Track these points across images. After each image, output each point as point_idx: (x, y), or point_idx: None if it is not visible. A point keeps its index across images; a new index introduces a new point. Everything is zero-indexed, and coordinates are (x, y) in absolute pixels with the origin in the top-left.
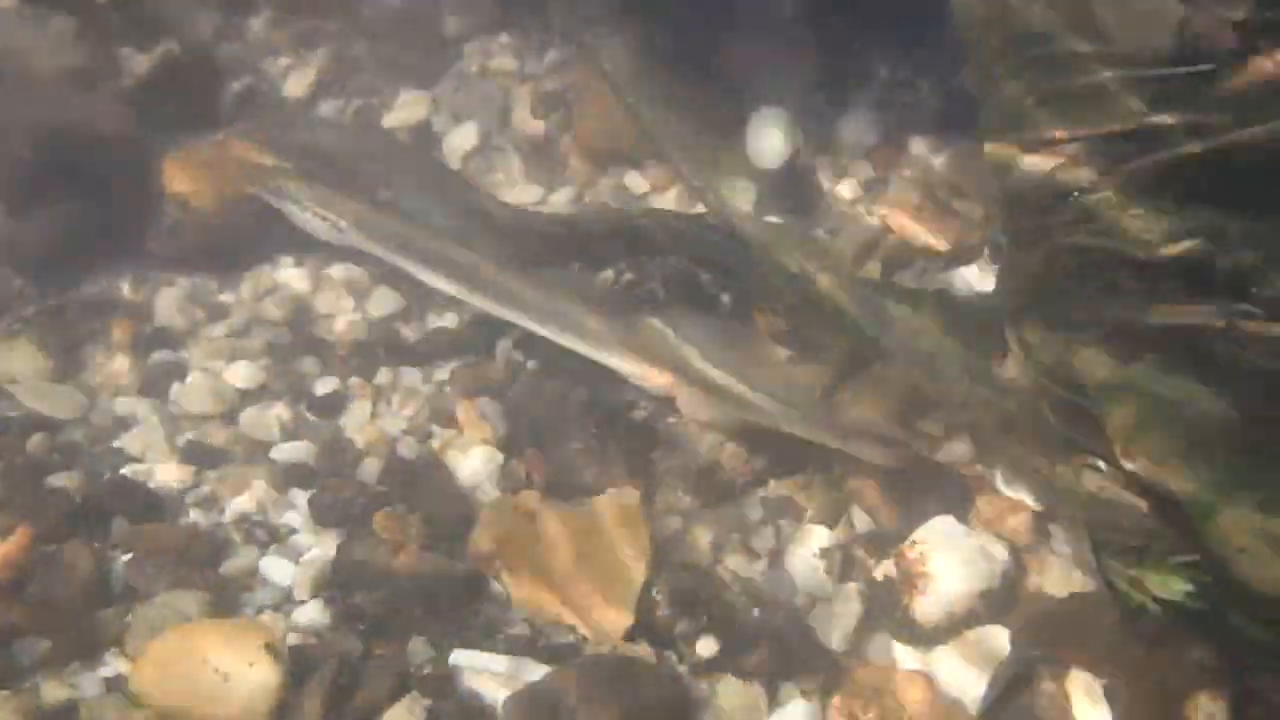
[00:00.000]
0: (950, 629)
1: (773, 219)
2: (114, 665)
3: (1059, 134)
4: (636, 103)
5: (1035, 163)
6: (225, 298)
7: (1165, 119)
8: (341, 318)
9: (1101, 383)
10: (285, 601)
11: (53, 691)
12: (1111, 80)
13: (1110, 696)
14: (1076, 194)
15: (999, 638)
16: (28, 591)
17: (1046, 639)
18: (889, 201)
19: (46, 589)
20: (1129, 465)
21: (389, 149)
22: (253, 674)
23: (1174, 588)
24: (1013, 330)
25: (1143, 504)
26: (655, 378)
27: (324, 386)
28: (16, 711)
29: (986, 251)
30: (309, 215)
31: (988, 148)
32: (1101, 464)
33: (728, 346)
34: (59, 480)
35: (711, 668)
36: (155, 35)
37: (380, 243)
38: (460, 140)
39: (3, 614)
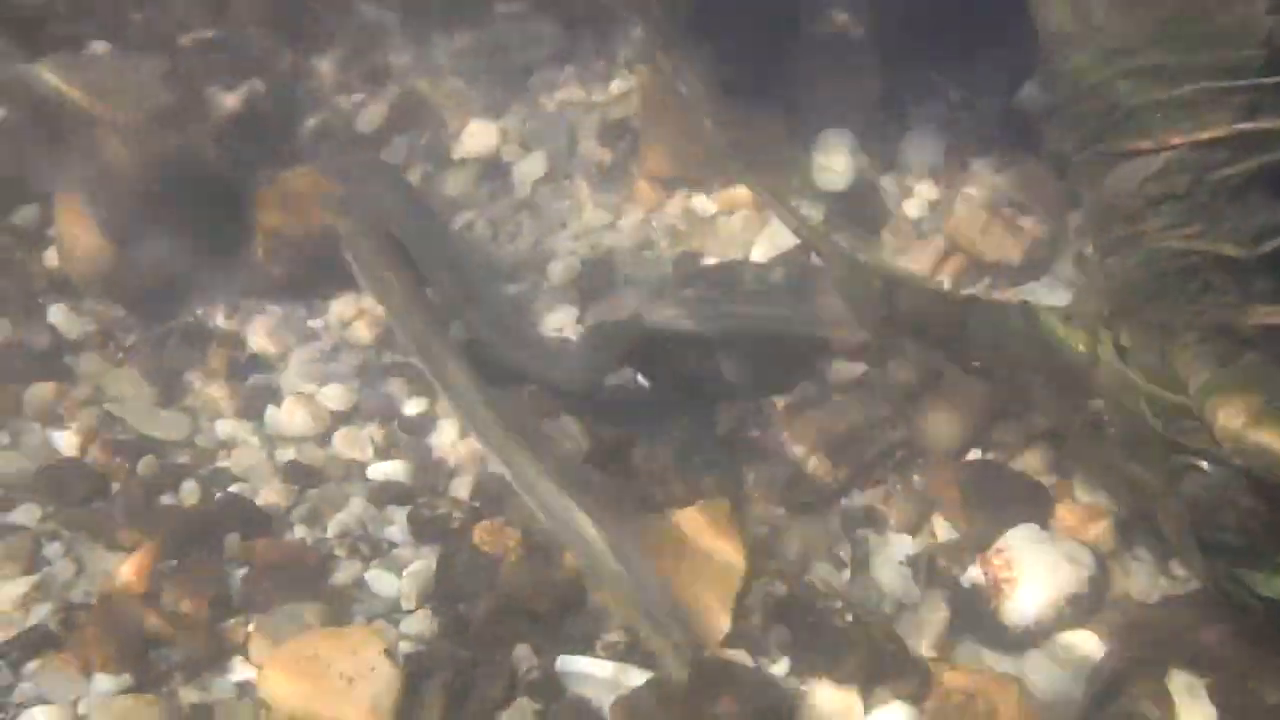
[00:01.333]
0: (1039, 633)
1: (841, 238)
2: (241, 671)
3: (1149, 145)
4: (712, 123)
5: (1127, 172)
6: (314, 324)
7: (1256, 126)
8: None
9: (1205, 383)
10: (394, 611)
11: (189, 695)
12: (1201, 91)
13: (1213, 695)
14: (1169, 201)
15: (1088, 642)
16: (160, 601)
17: (1143, 641)
18: (955, 219)
19: (175, 600)
20: (1238, 463)
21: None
22: (375, 677)
23: (1279, 586)
24: (1107, 335)
25: (1249, 502)
26: None
27: (413, 407)
28: (162, 713)
29: (1071, 262)
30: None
31: (1078, 158)
32: (1204, 464)
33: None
34: (172, 499)
35: (807, 673)
36: (237, 75)
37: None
38: (529, 168)
39: (142, 622)
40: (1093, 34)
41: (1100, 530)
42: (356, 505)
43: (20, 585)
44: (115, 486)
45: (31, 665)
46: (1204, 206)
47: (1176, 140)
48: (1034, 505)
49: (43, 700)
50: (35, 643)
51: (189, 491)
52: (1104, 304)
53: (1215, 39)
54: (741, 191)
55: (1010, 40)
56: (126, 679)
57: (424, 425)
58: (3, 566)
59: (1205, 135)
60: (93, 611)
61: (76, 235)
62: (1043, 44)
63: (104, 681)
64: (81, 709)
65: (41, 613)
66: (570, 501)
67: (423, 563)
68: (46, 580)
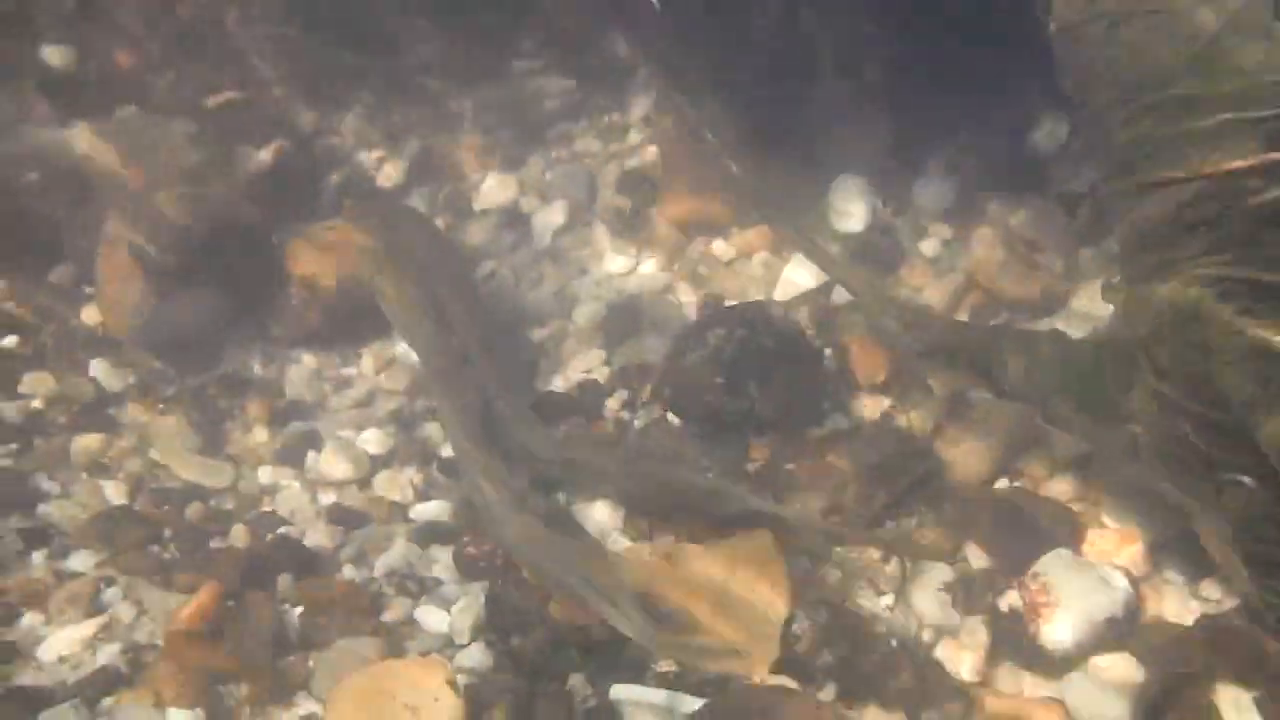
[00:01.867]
0: (1078, 656)
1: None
2: (305, 706)
3: (1180, 174)
4: (735, 167)
5: (1159, 201)
6: (348, 371)
7: None
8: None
9: (1250, 398)
10: (447, 645)
11: None
12: (1229, 121)
13: (1261, 707)
14: (1202, 228)
15: (1127, 664)
16: (224, 639)
17: (1187, 657)
18: (974, 257)
19: (237, 638)
20: None
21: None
22: (438, 707)
23: None
24: (1144, 357)
25: None
26: None
27: (450, 450)
28: None
29: (1086, 298)
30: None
31: (1110, 187)
32: (1246, 479)
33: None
34: (221, 543)
35: (853, 698)
36: (263, 134)
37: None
38: (549, 218)
39: (209, 659)
40: (1120, 69)
41: (1132, 554)
42: (401, 546)
43: (86, 628)
44: (166, 532)
45: (107, 702)
46: (1238, 233)
47: (1207, 170)
48: (1065, 531)
49: None
50: (107, 681)
51: (237, 535)
52: (1140, 328)
53: (1244, 68)
54: (759, 235)
55: (1018, 85)
56: (200, 713)
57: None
58: (65, 611)
59: (1235, 164)
60: (160, 650)
61: (116, 290)
62: (1071, 79)
63: (178, 716)
64: None
65: (109, 653)
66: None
67: (471, 599)
68: (111, 622)
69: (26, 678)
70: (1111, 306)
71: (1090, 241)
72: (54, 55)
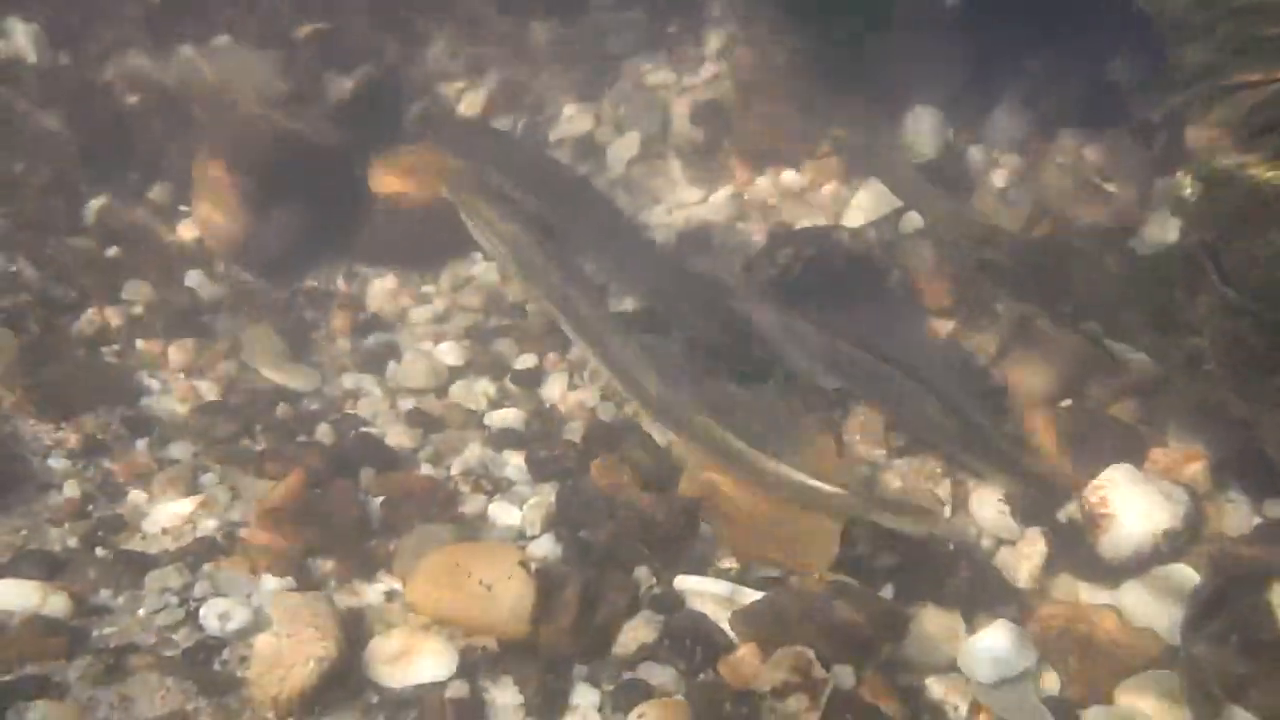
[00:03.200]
0: (1136, 566)
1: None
2: (387, 582)
3: (1256, 77)
4: (812, 93)
5: (1233, 104)
6: (427, 288)
7: None
8: (531, 304)
9: None
10: (519, 537)
11: (344, 599)
12: None
13: None
14: (1274, 133)
15: (1185, 574)
16: (311, 519)
17: (1243, 558)
18: (1045, 185)
19: (325, 517)
20: None
21: (550, 167)
22: (512, 585)
23: None
24: (1211, 264)
25: None
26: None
27: (523, 363)
28: (322, 610)
29: (1156, 225)
30: (474, 231)
31: (1184, 94)
32: None
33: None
34: (308, 439)
35: (911, 598)
36: (349, 64)
37: (522, 271)
38: (623, 150)
39: (297, 535)
40: None
41: (1195, 471)
42: (476, 449)
43: (185, 505)
44: (257, 428)
45: (206, 567)
46: None
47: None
48: (1129, 447)
49: (220, 594)
50: (206, 550)
51: (323, 433)
52: (1207, 233)
53: None
54: (829, 166)
55: (1094, 17)
56: (290, 581)
57: (534, 378)
58: (166, 491)
59: None
60: (255, 524)
61: (210, 208)
62: None
63: (271, 582)
64: (254, 602)
65: (207, 527)
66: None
67: (541, 498)
68: (208, 501)
69: (133, 544)
70: (1180, 220)
71: (1164, 171)
72: None
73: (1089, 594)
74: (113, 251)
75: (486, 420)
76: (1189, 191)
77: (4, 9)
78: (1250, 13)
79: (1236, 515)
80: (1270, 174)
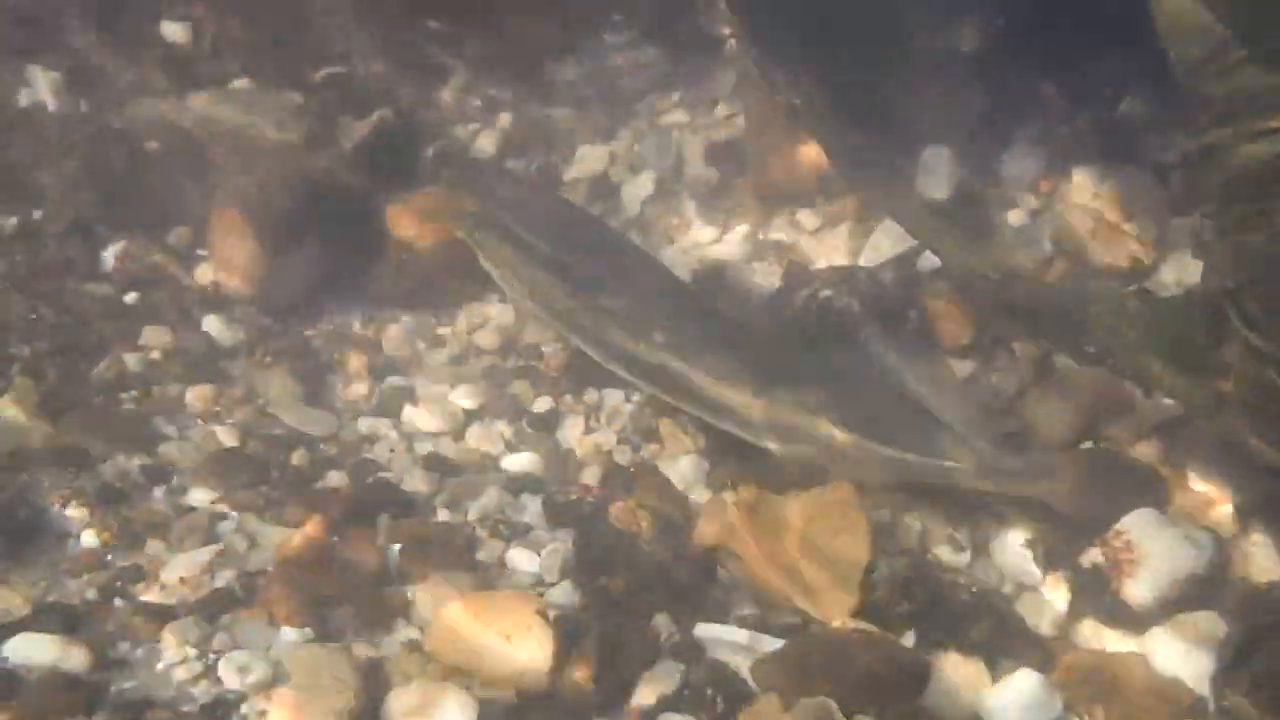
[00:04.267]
0: (1161, 612)
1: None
2: (405, 632)
3: (1274, 125)
4: (825, 135)
5: (1254, 151)
6: (443, 330)
7: None
8: (547, 346)
9: None
10: (537, 584)
11: (362, 650)
12: None
13: None
14: None
15: (1212, 621)
16: (329, 568)
17: (1272, 608)
18: (1063, 225)
19: (341, 568)
20: None
21: (564, 211)
22: (531, 636)
23: None
24: (1234, 310)
25: None
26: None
27: (540, 405)
28: (341, 662)
29: (1173, 268)
30: (492, 272)
31: (1204, 140)
32: None
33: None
34: (325, 485)
35: (933, 644)
36: (364, 105)
37: (546, 310)
38: (637, 189)
39: (316, 584)
40: (1214, 23)
41: (1219, 515)
42: (493, 493)
43: (204, 554)
44: (274, 474)
45: (225, 618)
46: None
47: None
48: (1151, 491)
49: (239, 647)
50: (224, 601)
51: (340, 479)
52: (1230, 279)
53: None
54: (845, 205)
55: (1110, 55)
56: (309, 632)
57: (551, 421)
58: (185, 540)
59: None
60: (273, 574)
61: (228, 252)
62: (1164, 36)
63: (290, 633)
64: (273, 655)
65: (225, 577)
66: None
67: (560, 543)
68: (226, 550)
69: (152, 595)
70: (1201, 264)
71: (1181, 211)
72: (173, 31)
73: (1114, 641)
74: (131, 297)
75: (503, 464)
76: (1211, 235)
77: (26, 58)
78: (1269, 59)
79: (1263, 559)
80: None
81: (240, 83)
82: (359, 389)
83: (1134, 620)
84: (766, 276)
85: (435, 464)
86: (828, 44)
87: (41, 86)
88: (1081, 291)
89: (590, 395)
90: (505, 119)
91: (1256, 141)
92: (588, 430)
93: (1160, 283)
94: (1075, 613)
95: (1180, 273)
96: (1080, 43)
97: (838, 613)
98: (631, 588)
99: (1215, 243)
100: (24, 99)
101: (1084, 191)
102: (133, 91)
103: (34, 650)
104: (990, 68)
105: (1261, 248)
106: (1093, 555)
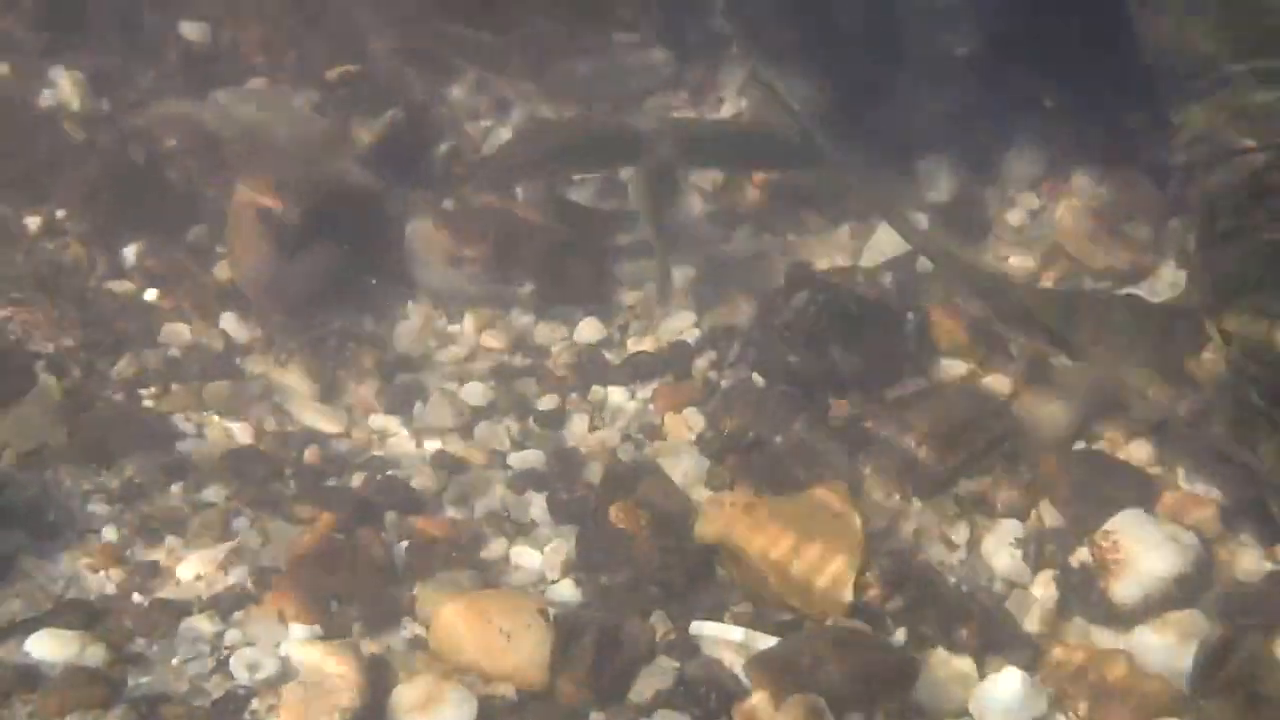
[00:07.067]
0: (1147, 611)
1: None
2: (410, 629)
3: (1253, 144)
4: (822, 137)
5: (1235, 168)
6: (452, 329)
7: None
8: (554, 345)
9: None
10: (540, 581)
11: (369, 647)
12: None
13: None
14: (1275, 195)
15: (1196, 620)
16: (338, 566)
17: (1251, 610)
18: (1062, 226)
19: (349, 565)
20: None
21: None
22: (531, 634)
23: None
24: (1212, 321)
25: None
26: None
27: (546, 403)
28: (347, 659)
29: (1173, 264)
30: None
31: (1182, 159)
32: None
33: None
34: (336, 481)
35: (923, 641)
36: (378, 104)
37: None
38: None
39: (325, 581)
40: (1199, 45)
41: (1205, 516)
42: (499, 490)
43: (218, 551)
44: (287, 471)
45: (237, 615)
46: None
47: (1275, 140)
48: (1139, 492)
49: (249, 643)
50: (236, 598)
51: (351, 476)
52: (1209, 293)
53: None
54: (847, 204)
55: (1110, 56)
56: (317, 629)
57: (556, 419)
58: (200, 536)
59: None
60: (284, 572)
61: (244, 250)
62: (1151, 56)
63: (299, 630)
64: (282, 651)
65: (239, 574)
66: None
67: (562, 540)
68: (240, 547)
69: (168, 591)
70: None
71: (1179, 212)
72: (192, 30)
73: (1101, 639)
74: (151, 295)
75: (510, 461)
76: (1193, 247)
77: (50, 59)
78: (1251, 79)
79: (1248, 560)
80: (1269, 235)
81: (258, 81)
82: (370, 386)
83: (1121, 619)
84: (768, 275)
85: (443, 461)
86: (826, 49)
87: (65, 86)
88: (1073, 295)
89: (596, 393)
90: (515, 115)
91: (1234, 161)
92: (592, 428)
93: (1158, 285)
94: (1063, 611)
95: (1178, 273)
96: (1080, 46)
97: (831, 611)
98: (630, 586)
99: (1196, 256)
100: (47, 99)
101: (1083, 193)
102: (153, 91)
103: (55, 646)
104: (990, 71)
105: (1238, 263)
106: (1081, 555)
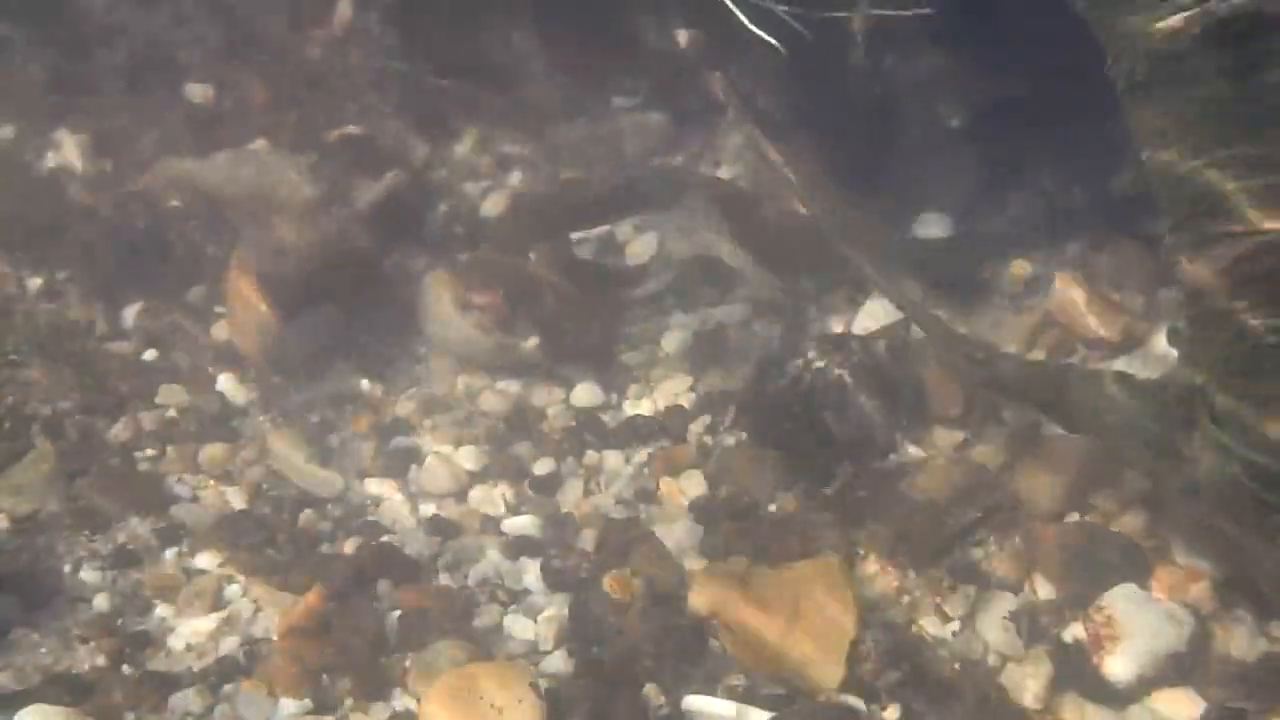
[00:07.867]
0: (1141, 689)
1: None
2: (401, 702)
3: (1240, 228)
4: (817, 206)
5: (1218, 253)
6: (450, 391)
7: None
8: (550, 408)
9: None
10: (533, 652)
11: None
12: None
13: None
14: (1259, 281)
15: (1190, 699)
16: (330, 638)
17: (1246, 692)
18: (1055, 296)
19: (342, 637)
20: None
21: None
22: (522, 709)
23: None
24: (1202, 403)
25: None
26: None
27: (542, 468)
28: None
29: (1165, 338)
30: None
31: (1171, 240)
32: None
33: None
34: (330, 548)
35: (918, 717)
36: (377, 166)
37: None
38: (641, 248)
39: (317, 654)
40: (1184, 130)
41: (1199, 591)
42: (493, 556)
43: (210, 621)
44: (281, 537)
45: (227, 689)
46: None
47: (1266, 225)
48: (1133, 566)
49: (239, 718)
50: (227, 670)
51: (345, 542)
52: (1198, 375)
53: None
54: (842, 270)
55: (1105, 127)
56: (308, 703)
57: (551, 484)
58: (192, 604)
59: None
60: (274, 645)
61: (243, 311)
62: (1135, 137)
63: (289, 705)
64: None
65: (230, 644)
66: None
67: (556, 609)
68: (231, 617)
69: (159, 663)
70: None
71: (1169, 281)
72: (196, 92)
73: (1095, 717)
74: (150, 355)
75: (504, 527)
76: (1183, 326)
77: (54, 122)
78: (1234, 165)
79: (1242, 636)
80: (1256, 321)
81: (259, 143)
82: (366, 449)
83: (1114, 696)
84: (763, 340)
85: (438, 526)
86: (820, 118)
87: (69, 149)
88: (1065, 372)
89: (591, 457)
90: (515, 177)
91: (1221, 243)
92: (587, 493)
93: (1150, 353)
94: (1057, 687)
95: (1168, 346)
96: (1072, 113)
97: (825, 684)
98: (623, 657)
99: (1186, 335)
100: (51, 161)
101: (1075, 262)
102: (156, 152)
103: None
104: (983, 140)
105: (1227, 347)
106: (1075, 630)
